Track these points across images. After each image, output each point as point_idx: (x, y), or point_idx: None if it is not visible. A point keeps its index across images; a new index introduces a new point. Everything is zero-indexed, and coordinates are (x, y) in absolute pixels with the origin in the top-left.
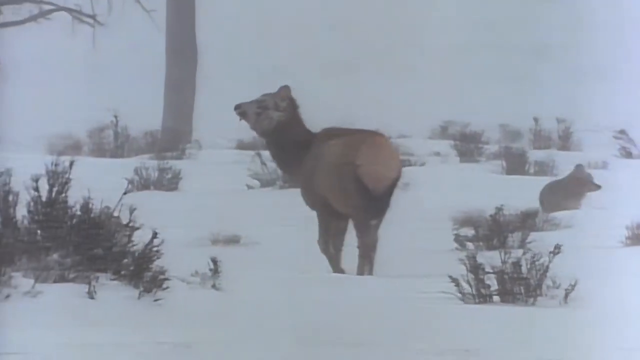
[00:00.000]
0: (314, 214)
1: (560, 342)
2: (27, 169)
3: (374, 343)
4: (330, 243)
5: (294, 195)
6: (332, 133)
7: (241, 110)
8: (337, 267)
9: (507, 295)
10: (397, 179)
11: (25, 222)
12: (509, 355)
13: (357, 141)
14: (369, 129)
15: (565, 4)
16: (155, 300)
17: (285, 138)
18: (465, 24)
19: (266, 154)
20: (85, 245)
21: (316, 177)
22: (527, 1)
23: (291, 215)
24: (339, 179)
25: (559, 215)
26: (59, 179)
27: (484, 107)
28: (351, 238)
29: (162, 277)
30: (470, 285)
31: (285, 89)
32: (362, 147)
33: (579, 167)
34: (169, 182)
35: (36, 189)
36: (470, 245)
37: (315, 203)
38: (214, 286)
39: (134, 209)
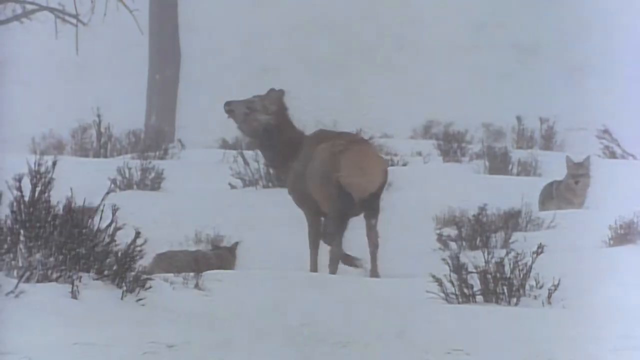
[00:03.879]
0: (298, 213)
1: (543, 342)
2: (10, 169)
3: (359, 342)
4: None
5: (277, 195)
6: (322, 136)
7: (230, 108)
8: (315, 266)
9: (490, 295)
10: (382, 185)
11: (8, 221)
12: (494, 355)
13: (341, 149)
14: (356, 135)
15: (549, 4)
16: (138, 300)
17: (274, 140)
18: (448, 24)
19: (249, 153)
20: (68, 245)
21: (306, 178)
22: (511, 1)
23: (274, 214)
24: (324, 185)
25: (542, 215)
26: (42, 178)
27: (467, 106)
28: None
29: (145, 277)
30: (454, 285)
31: (277, 92)
32: (345, 156)
33: (568, 159)
34: (152, 182)
35: (19, 189)
36: (453, 245)
37: (303, 202)
38: (196, 286)
39: (117, 209)
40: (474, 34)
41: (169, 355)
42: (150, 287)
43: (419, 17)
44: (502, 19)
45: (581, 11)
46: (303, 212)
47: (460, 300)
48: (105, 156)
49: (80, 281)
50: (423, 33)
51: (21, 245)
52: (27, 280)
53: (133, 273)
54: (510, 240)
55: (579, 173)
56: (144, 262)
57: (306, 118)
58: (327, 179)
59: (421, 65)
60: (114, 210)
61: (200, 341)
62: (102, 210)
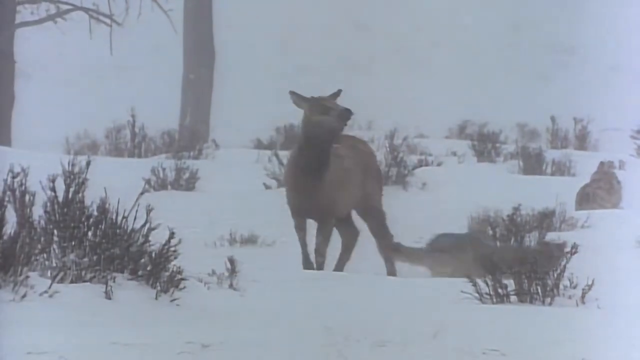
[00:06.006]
0: None
1: (577, 342)
2: (43, 169)
3: (396, 342)
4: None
5: None
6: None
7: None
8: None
9: (525, 295)
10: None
11: (42, 222)
12: (529, 355)
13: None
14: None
15: (584, 4)
16: (173, 300)
17: (329, 144)
18: (484, 23)
19: (283, 153)
20: (102, 245)
21: (343, 182)
22: (546, 1)
23: None
24: (381, 180)
25: (577, 215)
26: (75, 179)
27: (501, 106)
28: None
29: (179, 277)
30: (488, 285)
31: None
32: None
33: (602, 164)
34: (186, 182)
35: (53, 189)
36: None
37: (334, 209)
38: (231, 286)
39: (152, 209)
40: (510, 34)
41: (205, 355)
42: (184, 288)
43: (455, 16)
44: (537, 19)
45: (615, 11)
46: (323, 220)
47: (494, 300)
48: (140, 156)
49: (114, 281)
50: (459, 32)
51: (55, 246)
52: (61, 280)
53: (167, 273)
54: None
55: (606, 176)
56: (178, 262)
57: None
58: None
59: (456, 65)
60: (148, 210)
61: (235, 341)
62: (137, 210)
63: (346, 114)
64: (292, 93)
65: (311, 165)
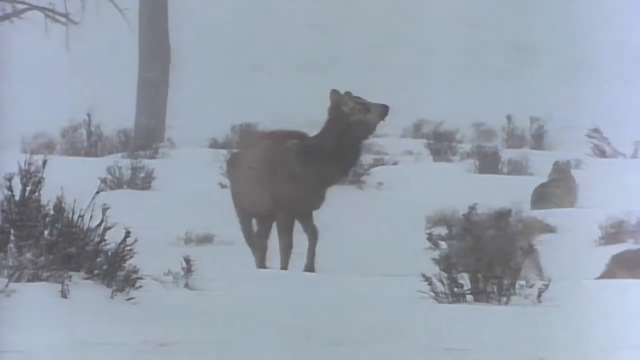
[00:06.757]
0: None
1: (534, 341)
2: (0, 168)
3: (352, 341)
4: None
5: None
6: None
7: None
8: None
9: (481, 294)
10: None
11: None
12: (485, 354)
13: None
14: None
15: (540, 4)
16: (128, 299)
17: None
18: (440, 22)
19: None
20: (59, 244)
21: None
22: (503, 1)
23: None
24: None
25: (533, 214)
26: (32, 178)
27: (457, 105)
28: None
29: (135, 276)
30: (444, 285)
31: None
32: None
33: (556, 163)
34: (142, 181)
35: (9, 188)
36: (443, 244)
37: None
38: (187, 285)
39: (108, 208)
40: (466, 33)
41: (161, 353)
42: (140, 287)
43: (411, 15)
44: (494, 18)
45: (572, 11)
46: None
47: (450, 299)
48: (96, 155)
49: (70, 280)
50: (415, 32)
51: (11, 245)
52: (18, 279)
53: (123, 272)
54: None
55: (563, 176)
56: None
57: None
58: None
59: (412, 64)
60: (104, 209)
61: (191, 340)
62: (93, 209)
63: (385, 110)
64: (334, 91)
65: (350, 162)
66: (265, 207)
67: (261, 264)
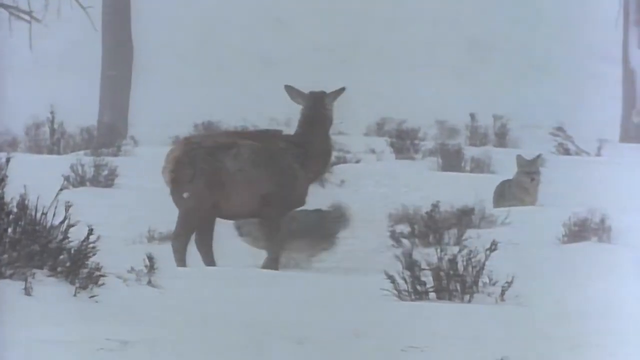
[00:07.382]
0: None
1: (497, 339)
2: None
3: (314, 339)
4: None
5: None
6: None
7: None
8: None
9: (443, 292)
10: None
11: None
12: (447, 352)
13: None
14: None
15: (503, 1)
16: (91, 296)
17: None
18: (401, 20)
19: None
20: (22, 242)
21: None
22: None
23: None
24: None
25: (496, 212)
26: None
27: (420, 103)
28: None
29: (98, 273)
30: (406, 282)
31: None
32: None
33: (519, 157)
34: (105, 179)
35: None
36: (406, 242)
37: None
38: (149, 283)
39: (70, 206)
40: (428, 31)
41: (124, 352)
42: (103, 284)
43: (373, 13)
44: (456, 15)
45: (535, 8)
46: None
47: (413, 297)
48: (59, 153)
49: (34, 278)
50: (377, 29)
51: None
52: None
53: (86, 270)
54: (464, 237)
55: (531, 171)
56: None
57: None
58: None
59: (374, 61)
60: (67, 207)
61: (154, 338)
62: (56, 207)
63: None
64: (289, 87)
65: (331, 156)
66: (253, 208)
67: (212, 262)
